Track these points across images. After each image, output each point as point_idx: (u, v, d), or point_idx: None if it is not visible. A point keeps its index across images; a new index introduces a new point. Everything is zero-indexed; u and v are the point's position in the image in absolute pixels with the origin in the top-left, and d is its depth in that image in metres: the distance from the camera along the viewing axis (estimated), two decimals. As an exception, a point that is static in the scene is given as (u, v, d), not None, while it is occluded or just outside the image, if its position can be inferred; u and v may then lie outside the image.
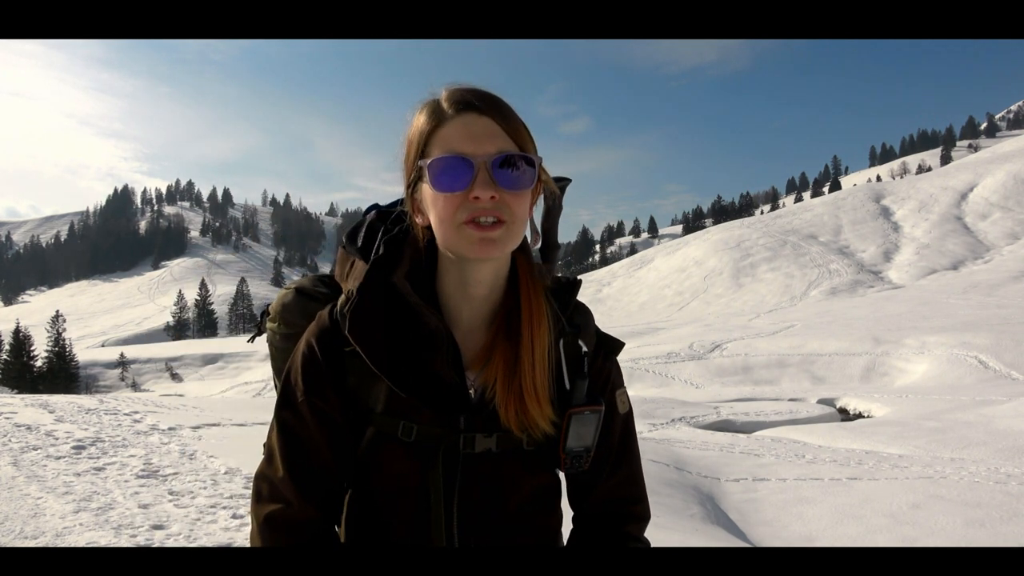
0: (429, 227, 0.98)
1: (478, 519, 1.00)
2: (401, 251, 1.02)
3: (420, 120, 0.95)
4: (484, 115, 0.92)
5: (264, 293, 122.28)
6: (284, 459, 0.99)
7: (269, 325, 1.21)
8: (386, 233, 1.05)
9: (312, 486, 0.99)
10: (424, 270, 1.01)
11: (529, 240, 1.07)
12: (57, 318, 53.65)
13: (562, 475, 1.10)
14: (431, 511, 0.99)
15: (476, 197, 0.89)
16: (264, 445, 1.05)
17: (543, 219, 1.11)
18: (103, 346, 79.24)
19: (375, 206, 1.14)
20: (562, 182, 1.11)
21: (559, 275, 1.11)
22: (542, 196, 1.10)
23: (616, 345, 1.11)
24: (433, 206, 0.93)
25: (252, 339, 1.35)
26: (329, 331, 1.01)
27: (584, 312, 1.09)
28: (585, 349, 1.05)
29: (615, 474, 1.10)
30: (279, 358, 1.17)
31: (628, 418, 1.13)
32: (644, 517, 1.12)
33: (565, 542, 1.13)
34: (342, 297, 1.03)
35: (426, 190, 0.94)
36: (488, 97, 0.94)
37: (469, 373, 1.01)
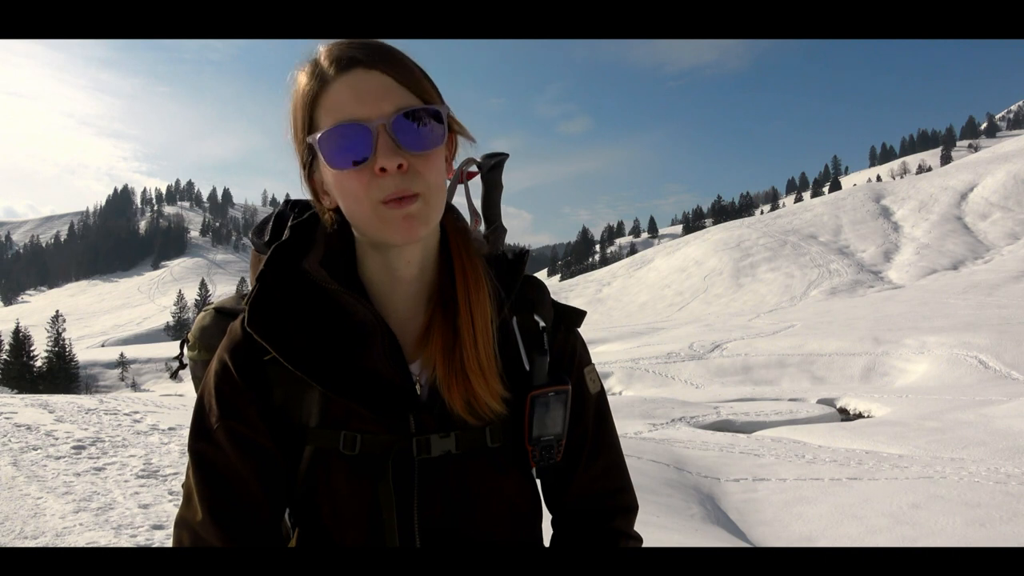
0: (337, 209, 0.84)
1: (443, 535, 0.86)
2: (312, 236, 0.89)
3: (300, 87, 0.82)
4: (373, 69, 0.78)
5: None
6: (203, 499, 0.84)
7: (189, 354, 1.06)
8: (296, 219, 0.92)
9: (238, 527, 0.84)
10: (341, 255, 0.88)
11: (469, 223, 0.95)
12: (57, 318, 53.59)
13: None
14: (385, 534, 0.84)
15: (382, 169, 0.76)
16: (182, 486, 0.90)
17: (482, 200, 0.99)
18: (103, 346, 79.23)
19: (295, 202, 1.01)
20: (499, 157, 1.00)
21: (504, 249, 0.98)
22: (479, 177, 0.98)
23: (577, 316, 0.99)
24: (339, 188, 0.80)
25: (174, 374, 1.17)
26: (242, 342, 0.87)
27: (537, 286, 0.97)
28: (543, 324, 0.93)
29: (594, 463, 0.97)
30: None
31: (601, 398, 1.00)
32: (632, 508, 1.00)
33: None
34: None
35: (326, 170, 0.80)
36: (375, 47, 0.81)
37: (412, 366, 0.87)
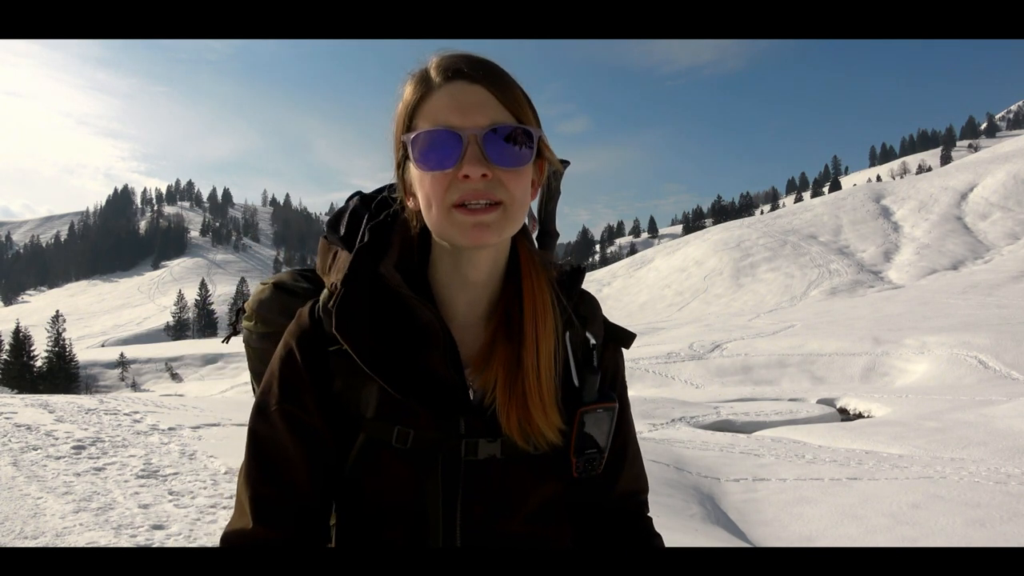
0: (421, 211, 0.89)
1: (482, 534, 0.90)
2: (389, 238, 0.93)
3: (407, 91, 0.86)
4: (476, 83, 0.82)
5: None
6: (249, 474, 0.90)
7: (245, 324, 1.11)
8: (372, 219, 0.95)
9: (275, 507, 0.88)
10: (415, 259, 0.92)
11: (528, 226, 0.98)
12: (57, 318, 53.64)
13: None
14: (429, 526, 0.88)
15: (465, 176, 0.80)
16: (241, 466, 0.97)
17: (540, 205, 1.02)
18: (103, 346, 79.20)
19: (357, 193, 1.05)
20: (560, 164, 1.02)
21: (562, 263, 1.01)
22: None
23: (627, 336, 1.02)
24: (420, 187, 0.84)
25: (227, 340, 1.23)
26: (310, 331, 0.91)
27: (590, 301, 0.99)
28: (593, 341, 0.95)
29: (632, 469, 1.04)
30: (256, 359, 1.08)
31: (629, 409, 1.06)
32: (647, 502, 1.09)
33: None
34: (325, 292, 0.92)
35: (413, 170, 0.85)
36: (481, 63, 0.84)
37: (468, 371, 0.91)
